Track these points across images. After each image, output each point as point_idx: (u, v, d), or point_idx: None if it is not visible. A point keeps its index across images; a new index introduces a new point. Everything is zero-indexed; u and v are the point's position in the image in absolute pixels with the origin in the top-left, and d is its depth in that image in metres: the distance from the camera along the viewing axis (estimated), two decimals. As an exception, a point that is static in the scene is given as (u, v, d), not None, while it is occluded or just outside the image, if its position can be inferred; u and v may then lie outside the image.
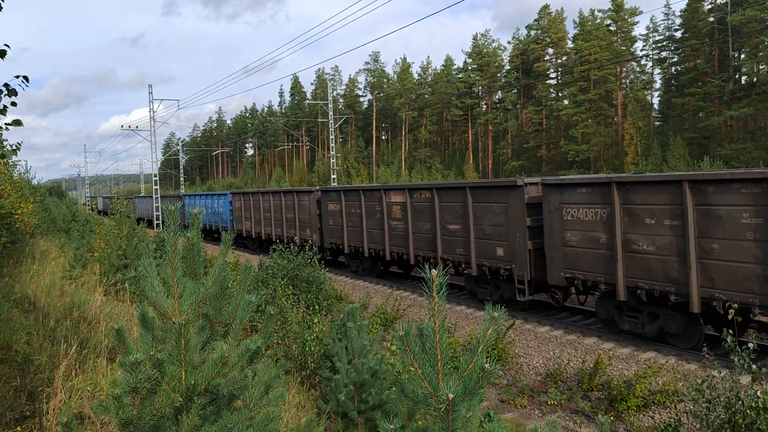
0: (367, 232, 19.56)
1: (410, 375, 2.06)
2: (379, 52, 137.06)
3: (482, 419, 4.68)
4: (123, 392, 2.16)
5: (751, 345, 6.15)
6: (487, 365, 1.97)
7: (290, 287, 12.65)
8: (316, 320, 9.73)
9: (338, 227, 21.32)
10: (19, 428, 4.51)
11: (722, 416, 6.05)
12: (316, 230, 22.99)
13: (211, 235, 36.41)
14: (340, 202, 21.02)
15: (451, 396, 1.86)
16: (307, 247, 15.95)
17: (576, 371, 10.50)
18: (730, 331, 6.41)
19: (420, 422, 3.43)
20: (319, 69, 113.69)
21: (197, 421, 2.34)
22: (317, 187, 22.74)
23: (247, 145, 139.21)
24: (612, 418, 8.82)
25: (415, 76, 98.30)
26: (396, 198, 18.09)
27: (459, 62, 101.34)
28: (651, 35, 71.20)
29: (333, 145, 41.32)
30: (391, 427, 2.04)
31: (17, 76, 4.71)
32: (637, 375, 9.33)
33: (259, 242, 29.40)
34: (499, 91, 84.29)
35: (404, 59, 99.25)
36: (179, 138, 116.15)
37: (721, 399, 6.17)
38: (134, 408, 2.18)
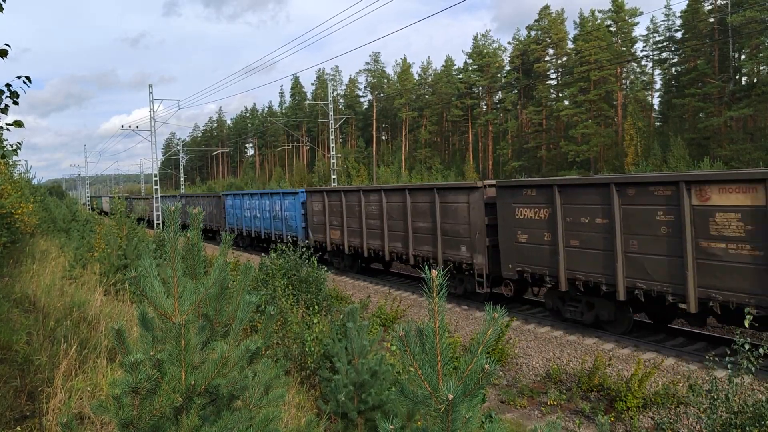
0: (625, 259, 11.46)
1: (410, 375, 2.07)
2: (379, 53, 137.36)
3: (483, 420, 4.69)
4: (123, 392, 2.16)
5: (761, 350, 6.15)
6: (486, 366, 1.97)
7: (290, 287, 12.64)
8: (315, 320, 9.74)
9: (541, 247, 13.22)
10: (19, 428, 4.51)
11: (724, 416, 6.05)
12: (481, 249, 15.00)
13: (266, 245, 28.22)
14: (550, 205, 12.91)
15: (450, 396, 1.86)
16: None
17: (576, 372, 10.50)
18: (748, 339, 6.40)
19: (420, 423, 3.43)
20: (320, 69, 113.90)
21: (197, 421, 2.34)
22: (483, 182, 15.25)
23: (247, 145, 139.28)
24: (612, 419, 8.82)
25: (416, 76, 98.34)
26: (735, 198, 9.83)
27: (459, 62, 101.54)
28: (651, 36, 71.25)
29: (333, 145, 41.32)
30: (391, 427, 2.04)
31: (19, 77, 4.71)
32: (635, 376, 9.32)
33: (353, 259, 22.09)
34: (500, 92, 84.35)
35: (404, 59, 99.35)
36: (179, 138, 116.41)
37: (723, 399, 6.18)
38: (134, 408, 2.18)
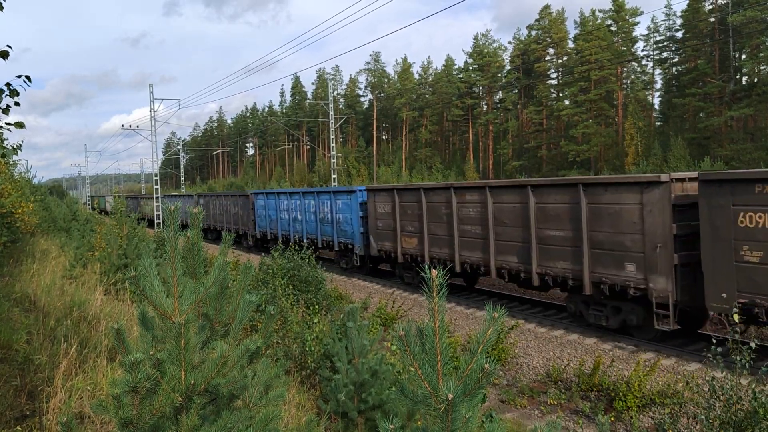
0: None
1: (410, 375, 2.07)
2: (379, 52, 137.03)
3: (483, 419, 4.69)
4: (123, 392, 2.16)
5: (753, 344, 6.16)
6: (486, 366, 1.97)
7: (290, 287, 12.65)
8: (316, 320, 9.74)
9: None
10: (19, 427, 4.51)
11: (722, 415, 6.06)
12: (663, 269, 10.91)
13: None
14: None
15: (450, 396, 1.86)
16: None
17: (576, 371, 10.50)
18: (737, 330, 6.42)
19: (420, 422, 3.43)
20: (320, 69, 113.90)
21: (197, 420, 2.34)
22: (670, 175, 10.95)
23: (247, 144, 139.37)
24: (612, 419, 8.82)
25: (416, 76, 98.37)
26: None
27: (459, 62, 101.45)
28: (652, 35, 71.24)
29: (333, 144, 41.32)
30: (391, 427, 2.04)
31: (19, 76, 4.72)
32: (635, 375, 9.32)
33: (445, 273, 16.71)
34: (500, 92, 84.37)
35: (405, 59, 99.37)
36: (180, 137, 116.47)
37: (722, 398, 6.19)
38: (134, 408, 2.18)
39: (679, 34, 67.04)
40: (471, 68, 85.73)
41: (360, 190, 20.88)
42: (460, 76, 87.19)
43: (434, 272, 1.96)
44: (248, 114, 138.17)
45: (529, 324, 13.86)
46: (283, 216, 26.28)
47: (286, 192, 26.65)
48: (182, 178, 68.32)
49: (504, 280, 15.22)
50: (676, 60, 67.96)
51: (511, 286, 17.70)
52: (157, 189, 37.81)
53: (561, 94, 75.36)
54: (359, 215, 20.53)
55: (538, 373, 11.15)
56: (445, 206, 16.29)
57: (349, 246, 21.26)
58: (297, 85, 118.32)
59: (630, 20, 69.11)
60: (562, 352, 11.81)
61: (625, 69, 72.02)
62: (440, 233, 16.54)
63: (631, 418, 8.79)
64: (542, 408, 9.64)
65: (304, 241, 23.35)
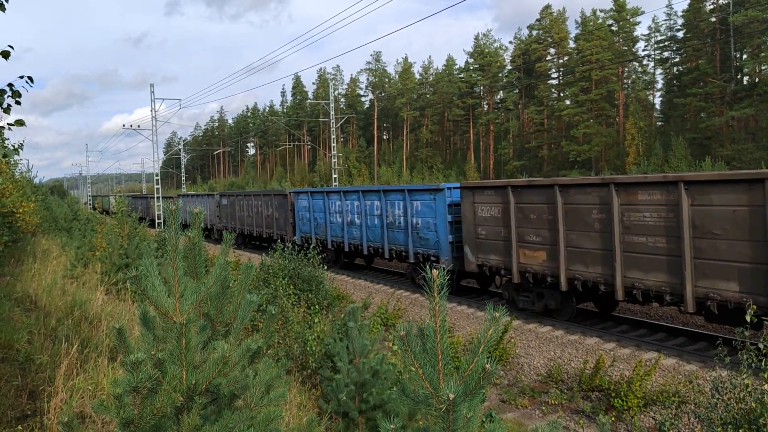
0: None
1: (411, 375, 2.07)
2: (380, 52, 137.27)
3: (484, 419, 4.69)
4: (124, 392, 2.16)
5: (761, 345, 6.14)
6: (488, 365, 1.97)
7: (291, 287, 12.66)
8: (317, 320, 9.75)
9: None
10: (20, 427, 4.52)
11: (723, 415, 6.05)
12: None
13: (367, 263, 24.08)
14: None
15: (451, 396, 1.86)
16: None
17: (577, 371, 10.50)
18: (745, 331, 6.40)
19: (421, 422, 3.43)
20: (321, 69, 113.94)
21: (198, 420, 2.34)
22: None
23: (248, 144, 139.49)
24: (613, 419, 8.82)
25: (417, 75, 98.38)
26: None
27: (460, 62, 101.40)
28: (653, 35, 71.24)
29: (334, 144, 41.31)
30: (392, 427, 2.04)
31: (21, 77, 4.72)
32: (636, 375, 9.32)
33: (567, 298, 13.67)
34: (501, 91, 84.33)
35: (405, 59, 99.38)
36: (181, 137, 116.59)
37: (724, 398, 6.19)
38: (135, 408, 2.18)
39: (680, 34, 67.04)
40: (472, 68, 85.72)
41: (449, 188, 16.86)
42: (461, 75, 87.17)
43: (435, 272, 1.96)
44: (249, 114, 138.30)
45: (530, 324, 13.85)
46: (335, 219, 22.40)
47: (338, 191, 22.47)
48: (183, 178, 68.36)
49: (704, 316, 11.13)
50: (677, 60, 67.94)
51: (673, 316, 14.02)
52: (158, 189, 37.78)
53: (562, 94, 75.33)
54: (447, 220, 16.55)
55: (539, 373, 11.15)
56: (597, 209, 12.16)
57: (432, 258, 17.28)
58: (298, 85, 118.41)
59: (631, 20, 69.08)
60: (563, 352, 11.81)
61: (626, 69, 72.01)
62: (588, 246, 12.41)
63: (632, 417, 8.78)
64: (543, 408, 9.64)
65: (364, 249, 20.54)
